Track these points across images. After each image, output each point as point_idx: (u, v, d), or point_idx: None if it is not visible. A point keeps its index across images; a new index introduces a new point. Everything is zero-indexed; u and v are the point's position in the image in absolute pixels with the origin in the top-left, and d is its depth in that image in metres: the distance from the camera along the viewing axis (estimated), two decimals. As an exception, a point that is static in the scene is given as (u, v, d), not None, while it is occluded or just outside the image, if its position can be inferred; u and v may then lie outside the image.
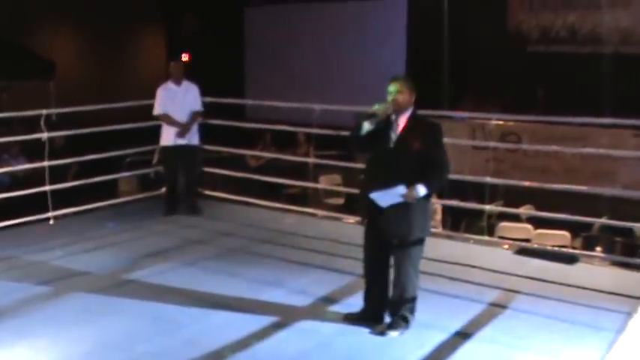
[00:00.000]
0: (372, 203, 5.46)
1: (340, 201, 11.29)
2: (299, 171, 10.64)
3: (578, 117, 8.83)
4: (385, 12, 16.36)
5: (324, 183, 11.29)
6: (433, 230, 8.72)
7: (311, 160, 10.49)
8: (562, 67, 13.74)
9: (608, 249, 9.28)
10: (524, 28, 14.90)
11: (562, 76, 13.53)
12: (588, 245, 9.42)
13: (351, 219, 8.81)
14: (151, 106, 9.11)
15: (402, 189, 5.35)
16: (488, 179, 8.56)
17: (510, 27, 15.05)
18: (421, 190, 5.36)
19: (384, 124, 5.50)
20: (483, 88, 13.78)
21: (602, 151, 9.81)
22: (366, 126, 5.44)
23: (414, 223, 5.45)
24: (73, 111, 9.13)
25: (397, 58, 15.31)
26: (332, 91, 14.61)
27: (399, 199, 5.37)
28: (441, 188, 9.36)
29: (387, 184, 5.37)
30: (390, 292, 5.66)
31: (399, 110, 5.48)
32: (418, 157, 5.40)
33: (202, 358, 5.11)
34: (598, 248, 9.37)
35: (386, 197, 5.40)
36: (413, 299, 5.60)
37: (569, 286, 6.77)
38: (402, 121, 5.49)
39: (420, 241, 5.58)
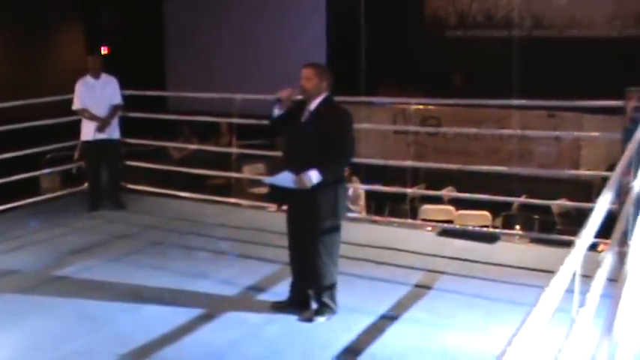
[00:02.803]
0: (282, 189, 5.54)
1: (264, 190, 11.30)
2: (222, 161, 10.62)
3: (495, 99, 9.04)
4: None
5: (247, 172, 11.29)
6: (357, 215, 8.88)
7: (234, 150, 10.50)
8: (480, 51, 13.98)
9: (527, 227, 9.54)
10: (442, 14, 15.08)
11: (480, 59, 13.77)
12: (508, 224, 9.67)
13: (275, 207, 8.85)
14: (70, 101, 8.99)
15: (287, 176, 5.43)
16: (410, 163, 8.71)
17: (428, 12, 15.22)
18: (314, 176, 5.35)
19: (298, 109, 5.60)
20: (403, 74, 13.94)
21: (519, 132, 10.06)
22: (275, 111, 5.65)
23: (322, 209, 5.48)
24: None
25: (317, 45, 15.33)
26: (253, 81, 14.55)
27: (292, 185, 5.44)
28: (364, 173, 9.51)
29: (292, 167, 5.44)
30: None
31: (307, 96, 5.58)
32: (321, 142, 5.43)
33: (131, 354, 5.09)
34: (517, 226, 9.62)
35: (281, 182, 5.50)
36: (330, 286, 5.63)
37: (491, 264, 6.96)
38: (312, 107, 5.58)
39: (333, 228, 5.59)
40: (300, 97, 5.68)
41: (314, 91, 5.57)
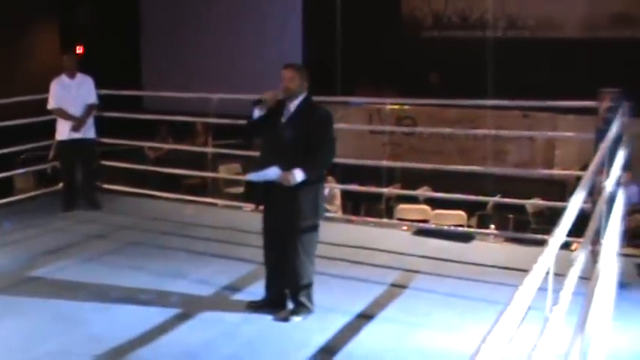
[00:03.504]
0: (262, 188, 5.54)
1: (240, 190, 11.30)
2: (199, 161, 10.60)
3: (470, 99, 9.09)
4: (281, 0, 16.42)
5: (223, 172, 11.28)
6: (334, 215, 8.89)
7: (210, 149, 10.48)
8: (455, 52, 14.06)
9: (502, 226, 9.61)
10: (418, 14, 15.16)
11: (455, 60, 13.85)
12: (483, 223, 9.73)
13: (251, 207, 8.85)
14: (45, 100, 8.94)
15: (275, 170, 5.43)
16: (385, 162, 8.73)
17: (404, 13, 15.29)
18: (298, 174, 5.39)
19: (277, 110, 5.61)
20: (379, 74, 13.99)
21: (494, 132, 10.12)
22: (256, 112, 5.63)
23: (303, 208, 5.51)
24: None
25: (294, 45, 15.37)
26: (230, 80, 14.56)
27: (276, 179, 5.44)
28: (340, 173, 9.52)
29: (270, 167, 5.45)
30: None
31: (290, 96, 5.59)
32: (304, 141, 5.47)
33: (106, 354, 5.06)
34: (492, 226, 9.68)
35: (264, 177, 5.50)
36: (308, 285, 5.64)
37: (466, 263, 7.01)
38: (293, 107, 5.60)
39: (312, 227, 5.63)
40: (281, 97, 5.67)
41: (297, 92, 5.59)
